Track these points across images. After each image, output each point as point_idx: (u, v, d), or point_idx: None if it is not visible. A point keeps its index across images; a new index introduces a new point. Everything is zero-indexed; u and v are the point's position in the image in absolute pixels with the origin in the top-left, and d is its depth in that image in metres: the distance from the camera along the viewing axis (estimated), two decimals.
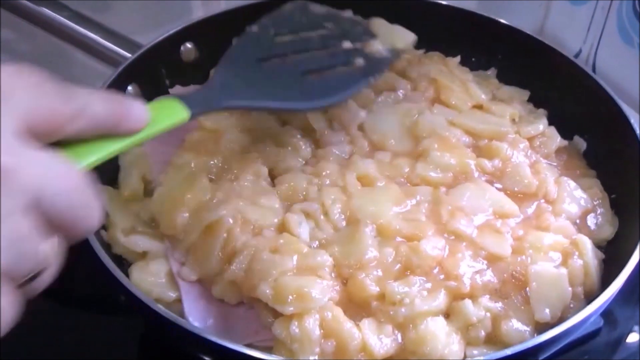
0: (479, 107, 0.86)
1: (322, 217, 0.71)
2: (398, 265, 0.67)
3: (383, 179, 0.75)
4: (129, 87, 0.85)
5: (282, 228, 0.70)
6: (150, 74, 0.87)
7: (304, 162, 0.78)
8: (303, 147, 0.79)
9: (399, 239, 0.69)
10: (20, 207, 0.37)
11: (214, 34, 0.91)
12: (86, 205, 0.41)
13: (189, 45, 0.91)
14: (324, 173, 0.75)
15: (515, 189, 0.76)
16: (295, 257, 0.66)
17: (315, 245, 0.69)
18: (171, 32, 0.89)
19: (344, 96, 0.74)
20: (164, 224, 0.72)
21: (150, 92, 0.87)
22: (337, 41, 0.79)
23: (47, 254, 0.40)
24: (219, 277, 0.68)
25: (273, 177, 0.77)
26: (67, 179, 0.40)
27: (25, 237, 0.38)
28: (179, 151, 0.79)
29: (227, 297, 0.68)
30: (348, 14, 0.85)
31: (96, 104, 0.45)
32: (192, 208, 0.72)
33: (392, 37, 0.83)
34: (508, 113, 0.85)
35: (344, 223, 0.71)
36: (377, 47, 0.80)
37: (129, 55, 0.89)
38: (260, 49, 0.74)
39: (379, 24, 0.84)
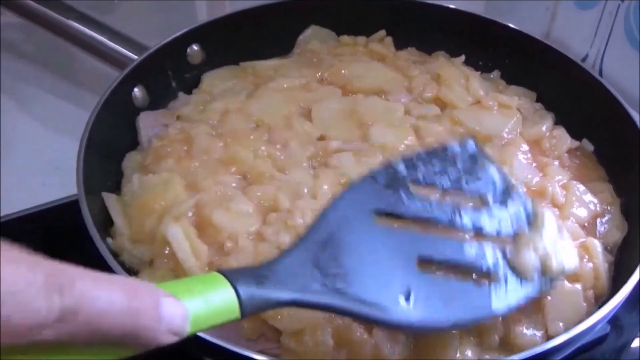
0: (480, 105, 0.86)
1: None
2: None
3: None
4: (135, 89, 0.84)
5: (260, 237, 0.67)
6: (156, 75, 0.87)
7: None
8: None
9: None
10: None
11: (220, 36, 0.92)
12: None
13: (195, 47, 0.91)
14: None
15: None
16: None
17: None
18: (177, 34, 0.89)
19: (464, 324, 0.55)
20: (133, 229, 0.70)
21: (157, 93, 0.87)
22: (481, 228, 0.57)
23: None
24: None
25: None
26: None
27: None
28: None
29: None
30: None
31: (100, 297, 0.28)
32: (161, 214, 0.69)
33: (559, 250, 0.61)
34: (509, 112, 0.84)
35: None
36: (530, 261, 0.59)
37: (135, 57, 0.89)
38: (378, 198, 0.56)
39: (548, 221, 0.62)
